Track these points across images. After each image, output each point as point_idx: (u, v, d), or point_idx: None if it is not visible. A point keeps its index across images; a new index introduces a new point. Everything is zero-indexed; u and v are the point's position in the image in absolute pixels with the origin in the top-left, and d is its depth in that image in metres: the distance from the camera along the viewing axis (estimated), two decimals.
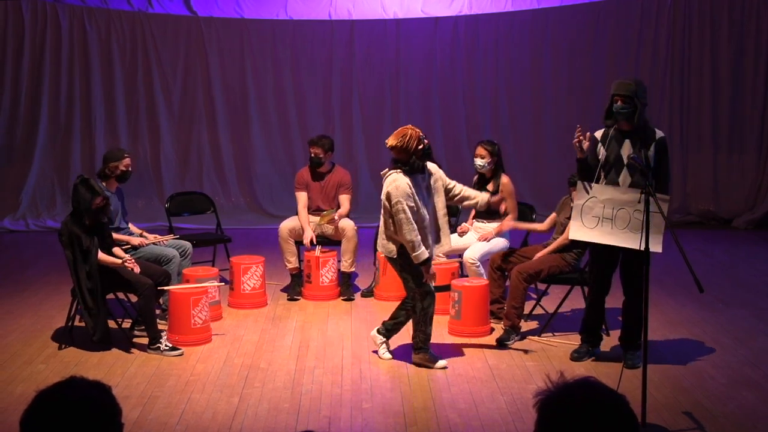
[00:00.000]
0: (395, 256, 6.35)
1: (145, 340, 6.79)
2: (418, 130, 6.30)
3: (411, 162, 6.24)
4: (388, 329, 6.67)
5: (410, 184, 6.20)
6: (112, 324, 6.98)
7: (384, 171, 6.42)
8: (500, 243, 7.78)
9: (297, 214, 8.61)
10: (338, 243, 8.48)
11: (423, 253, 6.20)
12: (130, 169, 7.63)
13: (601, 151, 6.26)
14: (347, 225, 8.37)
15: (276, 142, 13.29)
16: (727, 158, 12.41)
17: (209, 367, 6.40)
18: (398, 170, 6.26)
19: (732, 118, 12.40)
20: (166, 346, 6.66)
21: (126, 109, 12.94)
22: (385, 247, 6.42)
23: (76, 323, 7.04)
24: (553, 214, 7.43)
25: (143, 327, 6.90)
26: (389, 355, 6.62)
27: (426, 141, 6.34)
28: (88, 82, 12.76)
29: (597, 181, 6.20)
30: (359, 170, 12.82)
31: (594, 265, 6.46)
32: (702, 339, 6.99)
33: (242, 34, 13.07)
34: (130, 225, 7.87)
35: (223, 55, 13.09)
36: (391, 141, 6.26)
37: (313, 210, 8.53)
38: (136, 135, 12.99)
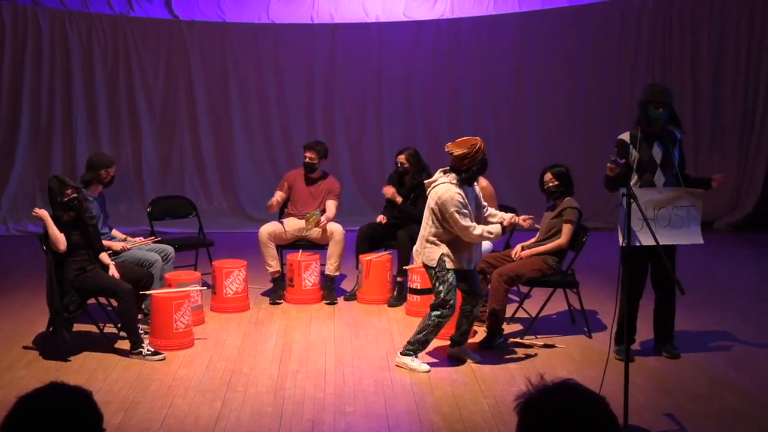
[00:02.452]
0: (434, 265, 6.33)
1: (126, 345, 6.76)
2: (482, 142, 6.31)
3: (470, 172, 6.25)
4: (456, 341, 6.68)
5: (461, 193, 6.20)
6: (92, 328, 6.96)
7: (432, 179, 6.40)
8: (483, 246, 7.78)
9: (279, 218, 8.66)
10: (322, 247, 8.47)
11: (495, 228, 6.29)
12: (115, 175, 7.70)
13: (633, 153, 6.43)
14: (336, 228, 8.36)
15: (258, 145, 13.27)
16: (707, 159, 12.46)
17: (191, 372, 6.38)
18: (450, 179, 6.24)
19: (713, 119, 12.47)
20: (148, 350, 6.64)
21: (107, 113, 12.89)
22: (425, 254, 6.37)
23: None
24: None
25: (136, 350, 6.92)
26: (478, 357, 6.63)
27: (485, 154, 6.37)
28: (69, 85, 12.70)
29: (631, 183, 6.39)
30: (342, 173, 12.81)
31: (629, 270, 6.47)
32: (684, 340, 7.00)
33: (224, 37, 13.05)
34: (113, 231, 7.85)
35: (204, 58, 13.07)
36: (456, 149, 6.19)
37: (298, 213, 8.51)
38: (118, 139, 12.95)
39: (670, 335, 6.77)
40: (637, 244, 5.77)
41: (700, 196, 6.18)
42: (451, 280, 6.31)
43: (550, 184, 7.24)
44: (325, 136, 12.78)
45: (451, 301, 6.33)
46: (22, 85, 12.51)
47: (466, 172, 6.22)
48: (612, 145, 6.63)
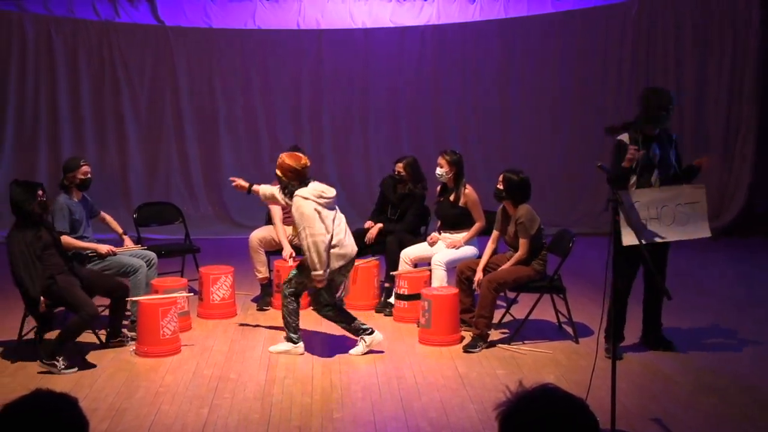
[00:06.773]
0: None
1: (112, 351, 6.74)
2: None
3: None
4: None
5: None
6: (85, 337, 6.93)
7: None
8: (469, 251, 7.82)
9: (266, 223, 8.61)
10: None
11: None
12: (89, 176, 7.52)
13: None
14: None
15: (244, 151, 13.27)
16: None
17: (178, 378, 6.36)
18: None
19: (697, 125, 12.52)
20: (62, 364, 6.44)
21: (93, 119, 12.86)
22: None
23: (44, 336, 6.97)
24: (495, 232, 7.50)
25: (117, 339, 6.93)
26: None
27: None
28: (54, 92, 12.67)
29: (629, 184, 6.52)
30: (328, 178, 12.78)
31: (623, 269, 6.50)
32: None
33: (210, 43, 13.04)
34: (125, 237, 7.87)
35: (190, 64, 13.06)
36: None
37: (286, 220, 8.49)
38: (104, 145, 12.92)
39: (659, 323, 6.97)
40: (644, 242, 5.77)
41: (701, 187, 6.34)
42: None
43: (498, 186, 7.33)
44: (312, 142, 12.81)
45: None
46: (7, 92, 12.48)
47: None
48: (596, 149, 6.69)
